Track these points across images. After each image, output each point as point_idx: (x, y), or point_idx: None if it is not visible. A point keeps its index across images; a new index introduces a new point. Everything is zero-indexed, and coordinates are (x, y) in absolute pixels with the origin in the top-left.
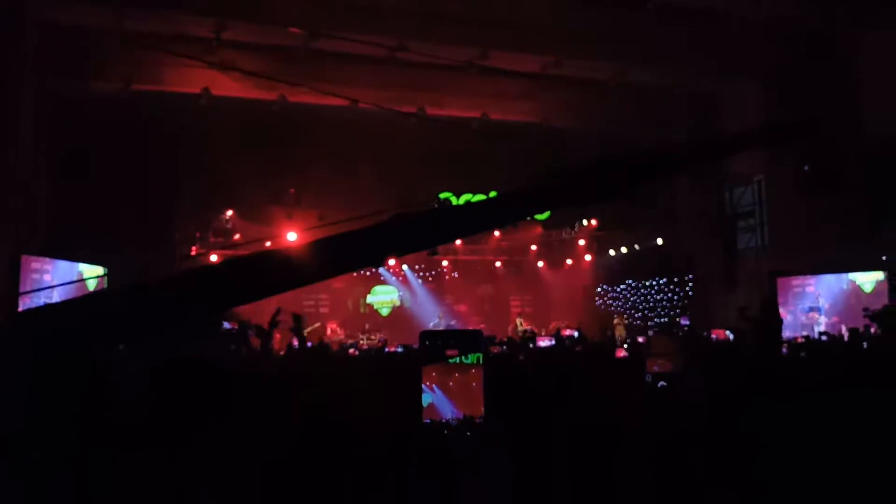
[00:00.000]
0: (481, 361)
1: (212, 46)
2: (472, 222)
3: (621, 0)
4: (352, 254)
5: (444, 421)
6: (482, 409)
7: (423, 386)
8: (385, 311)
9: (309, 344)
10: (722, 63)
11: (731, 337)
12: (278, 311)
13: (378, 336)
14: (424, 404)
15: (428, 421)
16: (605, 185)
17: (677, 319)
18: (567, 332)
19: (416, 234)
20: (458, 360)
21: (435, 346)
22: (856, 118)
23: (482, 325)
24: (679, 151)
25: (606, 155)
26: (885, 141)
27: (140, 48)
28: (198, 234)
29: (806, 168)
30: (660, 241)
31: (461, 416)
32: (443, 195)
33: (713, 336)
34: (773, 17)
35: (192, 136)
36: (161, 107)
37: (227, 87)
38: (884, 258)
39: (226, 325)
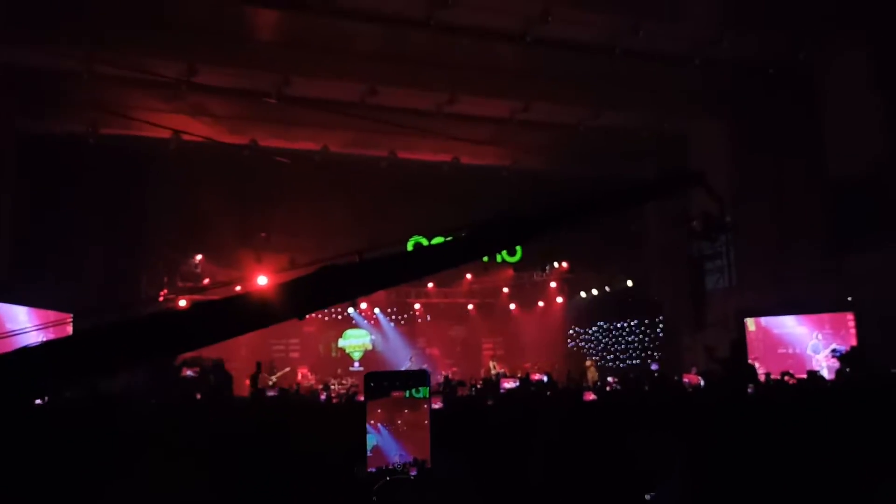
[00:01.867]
0: (428, 395)
1: (182, 90)
2: (394, 274)
3: (588, 45)
4: (280, 306)
5: (389, 467)
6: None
7: (367, 426)
8: (357, 355)
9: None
10: (689, 104)
11: (702, 383)
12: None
13: (350, 381)
14: (369, 448)
15: (373, 470)
16: (502, 242)
17: (648, 362)
18: (536, 377)
19: (342, 285)
20: (407, 395)
21: (381, 387)
22: (821, 153)
23: (454, 368)
24: (569, 208)
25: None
26: (849, 177)
27: (108, 91)
28: (166, 279)
29: (691, 220)
30: (629, 283)
31: (409, 460)
32: (413, 240)
33: (685, 381)
34: (736, 57)
35: (162, 178)
36: (130, 149)
37: (198, 130)
38: (849, 298)
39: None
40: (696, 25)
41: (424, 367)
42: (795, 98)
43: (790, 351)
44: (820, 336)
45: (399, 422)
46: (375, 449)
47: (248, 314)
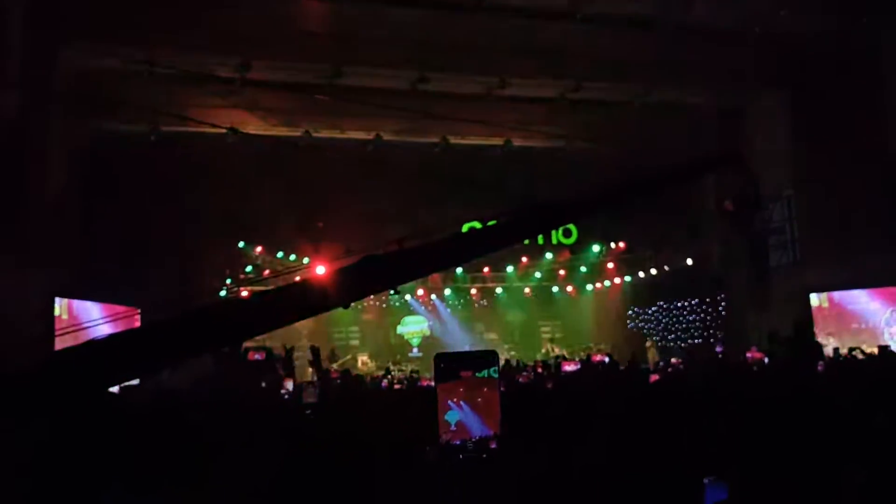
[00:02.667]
0: (496, 374)
1: (237, 86)
2: (434, 261)
3: (640, 20)
4: (325, 296)
5: (472, 439)
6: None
7: (450, 403)
8: (415, 342)
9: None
10: (746, 79)
11: (766, 360)
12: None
13: (410, 367)
14: (452, 422)
15: (458, 442)
16: (532, 229)
17: (711, 341)
18: (598, 358)
19: (384, 273)
20: (478, 375)
21: (451, 369)
22: (883, 126)
23: (513, 353)
24: (603, 195)
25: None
26: None
27: (168, 90)
28: (228, 271)
29: (727, 203)
30: (689, 262)
31: (490, 433)
32: (466, 225)
33: (749, 356)
34: (795, 30)
35: (220, 173)
36: (189, 145)
37: (253, 124)
38: None
39: (256, 356)
40: None
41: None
42: (856, 69)
43: (863, 326)
44: (893, 310)
45: (479, 399)
46: (459, 424)
47: (295, 305)
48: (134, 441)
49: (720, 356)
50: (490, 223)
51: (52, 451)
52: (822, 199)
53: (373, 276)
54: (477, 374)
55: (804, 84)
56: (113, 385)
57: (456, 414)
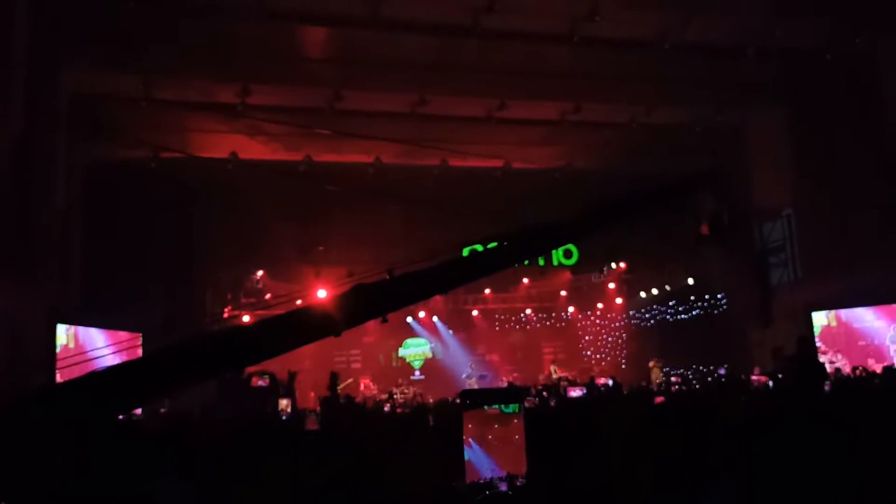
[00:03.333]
0: (520, 410)
1: (237, 112)
2: (424, 289)
3: (637, 42)
4: (310, 327)
5: (483, 481)
6: (523, 465)
7: (472, 444)
8: (417, 364)
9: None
10: (744, 95)
11: (771, 384)
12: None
13: (412, 390)
14: (475, 462)
15: (483, 479)
16: (516, 255)
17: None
18: (601, 381)
19: (374, 301)
20: (498, 408)
21: (476, 404)
22: (882, 139)
23: (515, 374)
24: (577, 221)
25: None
26: None
27: (169, 116)
28: (229, 296)
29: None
30: (691, 281)
31: (502, 475)
32: (467, 249)
33: (754, 379)
34: (791, 46)
35: (221, 198)
36: (190, 171)
37: (254, 150)
38: None
39: (259, 382)
40: (749, 15)
41: (486, 374)
42: (853, 84)
43: (870, 343)
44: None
45: (490, 437)
46: (468, 463)
47: (289, 335)
48: (148, 463)
49: (722, 378)
50: (476, 248)
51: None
52: (822, 216)
53: (364, 305)
54: (503, 408)
55: (802, 101)
56: (116, 413)
57: (466, 453)
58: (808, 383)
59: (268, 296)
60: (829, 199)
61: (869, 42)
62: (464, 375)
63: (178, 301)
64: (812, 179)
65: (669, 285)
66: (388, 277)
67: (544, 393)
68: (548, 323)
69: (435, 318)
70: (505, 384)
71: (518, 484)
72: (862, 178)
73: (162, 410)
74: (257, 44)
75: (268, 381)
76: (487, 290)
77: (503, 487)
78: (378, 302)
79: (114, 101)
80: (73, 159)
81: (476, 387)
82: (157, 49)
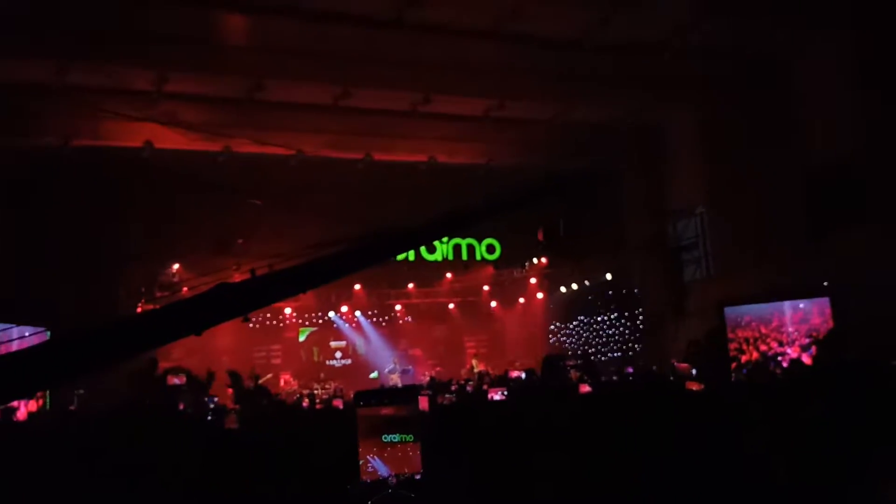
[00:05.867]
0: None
1: (153, 99)
2: (284, 289)
3: (559, 40)
4: (177, 324)
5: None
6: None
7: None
8: (339, 355)
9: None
10: (663, 94)
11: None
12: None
13: (333, 385)
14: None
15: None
16: (374, 256)
17: (630, 354)
18: (515, 374)
19: (235, 301)
20: (395, 439)
21: (369, 404)
22: (798, 139)
23: (438, 369)
24: (432, 225)
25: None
26: (825, 161)
27: (80, 103)
28: (143, 289)
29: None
30: (609, 277)
31: (391, 474)
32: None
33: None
34: (710, 46)
35: (136, 188)
36: (103, 161)
37: (171, 139)
38: (825, 283)
39: (175, 380)
40: (669, 13)
41: (409, 368)
42: (771, 84)
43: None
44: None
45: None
46: (365, 463)
47: (143, 333)
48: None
49: (630, 377)
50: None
51: None
52: (735, 214)
53: (226, 303)
54: (394, 410)
55: (718, 100)
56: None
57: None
58: (716, 373)
59: (185, 289)
60: (741, 198)
61: (785, 40)
62: (387, 370)
63: (90, 296)
64: (724, 178)
65: (589, 280)
66: (250, 276)
67: (467, 388)
68: (470, 318)
69: (357, 313)
70: (427, 379)
71: (416, 481)
72: (773, 177)
73: (72, 408)
74: (174, 29)
75: (184, 378)
76: (411, 285)
77: (395, 484)
78: (240, 301)
79: (24, 87)
80: None
81: (399, 383)
82: (69, 34)
